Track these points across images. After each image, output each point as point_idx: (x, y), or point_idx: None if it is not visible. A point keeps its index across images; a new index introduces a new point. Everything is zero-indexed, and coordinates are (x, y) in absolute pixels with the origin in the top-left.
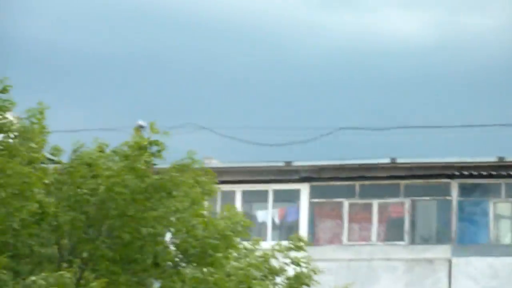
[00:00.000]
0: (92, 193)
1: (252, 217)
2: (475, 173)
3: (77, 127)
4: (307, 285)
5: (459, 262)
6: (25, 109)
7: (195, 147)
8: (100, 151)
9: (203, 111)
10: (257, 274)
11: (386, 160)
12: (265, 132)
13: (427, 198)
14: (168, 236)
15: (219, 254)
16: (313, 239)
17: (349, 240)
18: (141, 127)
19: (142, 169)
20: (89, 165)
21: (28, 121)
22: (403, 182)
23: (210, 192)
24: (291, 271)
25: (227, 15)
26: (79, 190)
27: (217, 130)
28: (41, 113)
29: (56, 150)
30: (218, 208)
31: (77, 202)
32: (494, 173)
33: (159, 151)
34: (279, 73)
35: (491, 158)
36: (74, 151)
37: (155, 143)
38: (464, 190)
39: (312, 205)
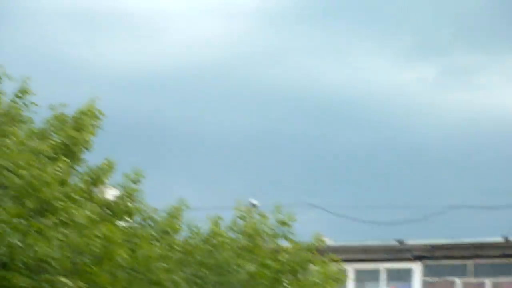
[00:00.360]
0: (218, 272)
1: None
2: None
3: (191, 205)
4: None
5: None
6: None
7: (306, 226)
8: (215, 226)
9: (314, 189)
10: None
11: (499, 239)
12: (377, 211)
13: None
14: None
15: None
16: None
17: None
18: (253, 205)
19: (276, 250)
20: (209, 242)
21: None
22: None
23: (339, 279)
24: None
25: (339, 95)
26: (203, 270)
27: (329, 209)
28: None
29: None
30: None
31: (201, 279)
32: None
33: (288, 233)
34: (391, 152)
35: None
36: (191, 230)
37: (284, 223)
38: None
39: (425, 284)
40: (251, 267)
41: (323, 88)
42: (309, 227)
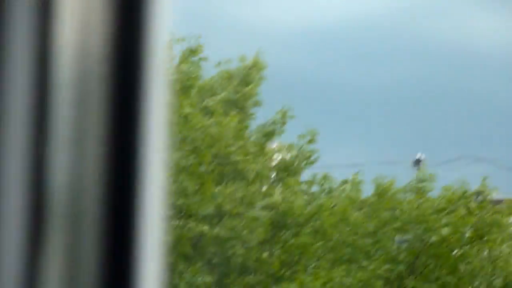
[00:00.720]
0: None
1: None
2: None
3: (354, 161)
4: None
5: None
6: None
7: (472, 180)
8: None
9: (480, 143)
10: None
11: None
12: None
13: None
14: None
15: None
16: None
17: None
18: (419, 160)
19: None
20: (392, 202)
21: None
22: None
23: None
24: None
25: (505, 51)
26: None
27: (495, 162)
28: (357, 183)
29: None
30: None
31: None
32: None
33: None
34: None
35: None
36: (378, 188)
37: (480, 193)
38: None
39: None
40: (445, 230)
41: (490, 43)
42: (474, 181)
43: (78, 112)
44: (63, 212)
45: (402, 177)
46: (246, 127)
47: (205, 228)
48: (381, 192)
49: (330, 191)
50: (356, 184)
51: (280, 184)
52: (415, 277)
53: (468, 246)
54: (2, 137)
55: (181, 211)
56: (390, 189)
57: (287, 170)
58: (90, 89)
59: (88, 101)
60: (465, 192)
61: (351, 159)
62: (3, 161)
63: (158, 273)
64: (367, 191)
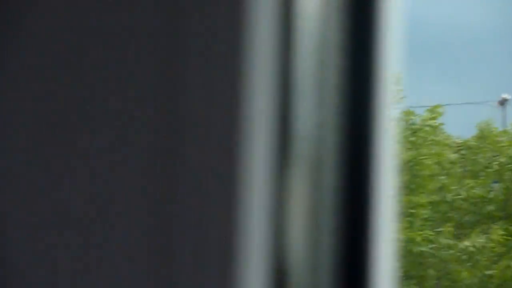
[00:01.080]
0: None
1: None
2: None
3: (438, 101)
4: None
5: None
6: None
7: None
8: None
9: None
10: None
11: None
12: None
13: None
14: None
15: None
16: None
17: None
18: (505, 100)
19: None
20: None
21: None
22: None
23: None
24: None
25: None
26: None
27: None
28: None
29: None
30: None
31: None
32: None
33: None
34: None
35: None
36: (481, 131)
37: None
38: None
39: None
40: None
41: None
42: None
43: (318, 61)
44: (305, 158)
45: (488, 117)
46: None
47: None
48: (483, 135)
49: (415, 129)
50: (436, 114)
51: None
52: (504, 221)
53: None
54: (252, 87)
55: None
56: (491, 133)
57: None
58: (328, 39)
59: (326, 50)
60: None
61: (434, 100)
62: (253, 107)
63: (391, 222)
64: (456, 132)
